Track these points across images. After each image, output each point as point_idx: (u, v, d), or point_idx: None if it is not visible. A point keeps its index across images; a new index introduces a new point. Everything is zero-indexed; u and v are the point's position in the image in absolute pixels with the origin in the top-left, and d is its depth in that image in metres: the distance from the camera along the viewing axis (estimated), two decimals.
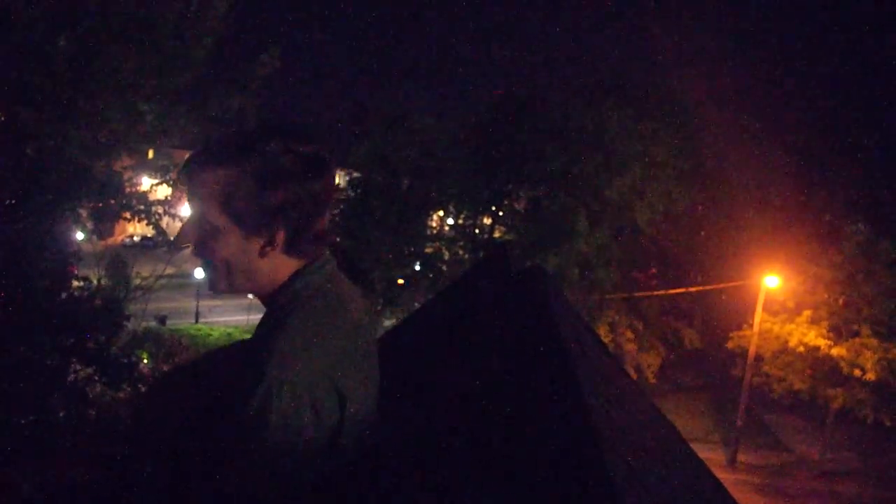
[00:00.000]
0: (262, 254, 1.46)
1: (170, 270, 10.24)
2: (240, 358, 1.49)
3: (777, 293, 24.95)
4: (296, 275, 1.51)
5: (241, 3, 10.03)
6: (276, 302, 1.50)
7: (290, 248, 1.48)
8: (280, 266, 1.50)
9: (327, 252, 1.58)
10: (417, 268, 26.63)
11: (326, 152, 1.52)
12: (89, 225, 10.28)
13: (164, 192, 11.23)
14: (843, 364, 22.87)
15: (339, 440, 1.41)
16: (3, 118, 8.47)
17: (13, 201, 8.32)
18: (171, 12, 9.26)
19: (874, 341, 22.65)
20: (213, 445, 1.38)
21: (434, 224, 29.89)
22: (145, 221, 10.27)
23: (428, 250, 27.33)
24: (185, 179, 1.49)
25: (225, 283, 1.50)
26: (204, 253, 1.48)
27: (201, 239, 1.47)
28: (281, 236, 1.45)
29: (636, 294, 27.26)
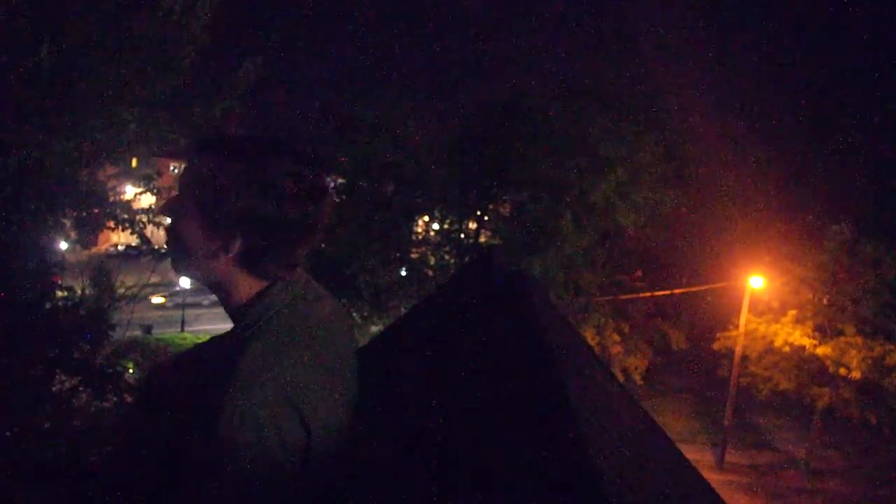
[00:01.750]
0: (215, 255, 1.46)
1: (155, 280, 10.20)
2: (203, 376, 1.47)
3: (762, 294, 25.08)
4: (258, 296, 1.49)
5: (225, 11, 10.00)
6: (240, 321, 1.48)
7: (250, 265, 1.47)
8: (241, 280, 1.49)
9: (299, 272, 1.56)
10: (403, 273, 26.59)
11: (321, 185, 1.50)
12: (73, 234, 10.23)
13: (147, 200, 11.16)
14: (828, 363, 22.99)
15: (309, 464, 1.40)
16: None
17: None
18: (154, 20, 9.23)
19: (859, 340, 22.77)
20: (184, 474, 1.37)
21: (420, 229, 29.88)
22: (129, 230, 10.21)
23: (414, 255, 27.30)
24: (187, 157, 1.52)
25: (181, 265, 1.52)
26: (172, 227, 1.51)
27: (173, 213, 1.50)
28: (236, 246, 1.44)
29: (622, 297, 27.31)
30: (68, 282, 10.12)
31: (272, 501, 1.34)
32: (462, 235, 28.14)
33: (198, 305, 34.20)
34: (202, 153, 1.48)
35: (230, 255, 1.45)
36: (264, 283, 1.50)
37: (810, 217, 26.97)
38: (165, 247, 1.57)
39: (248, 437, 1.29)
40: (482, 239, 27.85)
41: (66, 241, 10.66)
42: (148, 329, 29.16)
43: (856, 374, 22.35)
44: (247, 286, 1.49)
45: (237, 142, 1.49)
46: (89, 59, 8.57)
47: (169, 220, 1.52)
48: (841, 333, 23.43)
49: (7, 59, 8.15)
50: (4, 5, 7.94)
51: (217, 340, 1.55)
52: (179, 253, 1.50)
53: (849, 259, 23.47)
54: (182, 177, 1.50)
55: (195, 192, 1.45)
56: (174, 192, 1.53)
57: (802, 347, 23.41)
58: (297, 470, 1.38)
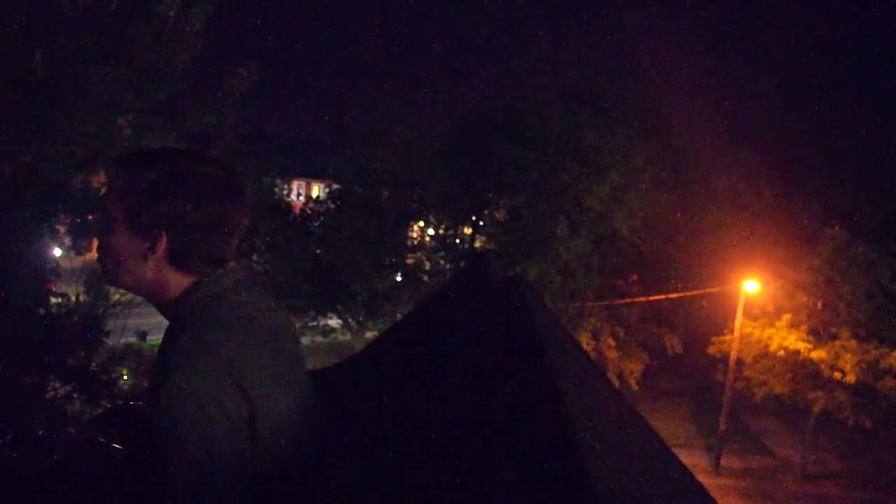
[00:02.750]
0: (144, 256, 1.55)
1: None
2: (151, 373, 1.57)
3: (757, 298, 25.10)
4: (191, 288, 1.58)
5: (220, 17, 10.01)
6: (175, 312, 1.57)
7: (178, 262, 1.57)
8: (169, 278, 1.58)
9: (231, 266, 1.64)
10: (399, 279, 26.57)
11: (236, 186, 1.63)
12: (67, 241, 10.21)
13: None
14: (823, 367, 22.98)
15: (258, 439, 1.46)
16: None
17: None
18: (148, 26, 9.23)
19: (853, 343, 22.79)
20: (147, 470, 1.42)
21: (415, 235, 29.87)
22: None
23: (409, 261, 27.29)
24: (110, 172, 1.65)
25: (110, 274, 1.61)
26: (99, 238, 1.60)
27: (101, 224, 1.60)
28: (163, 245, 1.54)
29: (617, 301, 27.31)
30: (62, 288, 10.09)
31: (224, 474, 1.40)
32: (457, 241, 28.13)
33: None
34: (124, 165, 1.59)
35: (157, 254, 1.55)
36: (193, 279, 1.59)
37: (804, 221, 27.06)
38: (98, 264, 1.64)
39: (190, 409, 1.37)
40: (477, 244, 27.83)
41: (60, 247, 10.63)
42: (143, 335, 28.96)
43: (850, 378, 22.36)
44: (177, 283, 1.58)
45: (155, 151, 1.63)
46: (83, 66, 8.56)
47: (97, 232, 1.63)
48: (836, 337, 23.46)
49: (1, 64, 8.14)
50: None
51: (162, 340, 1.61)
52: (110, 261, 1.59)
53: (843, 263, 23.49)
54: (105, 193, 1.60)
55: (120, 201, 1.55)
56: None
57: (797, 351, 23.41)
58: (245, 442, 1.44)
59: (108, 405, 9.58)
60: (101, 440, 1.77)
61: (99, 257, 1.60)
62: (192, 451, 1.36)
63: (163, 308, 1.61)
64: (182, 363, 1.40)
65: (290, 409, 1.58)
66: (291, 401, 1.60)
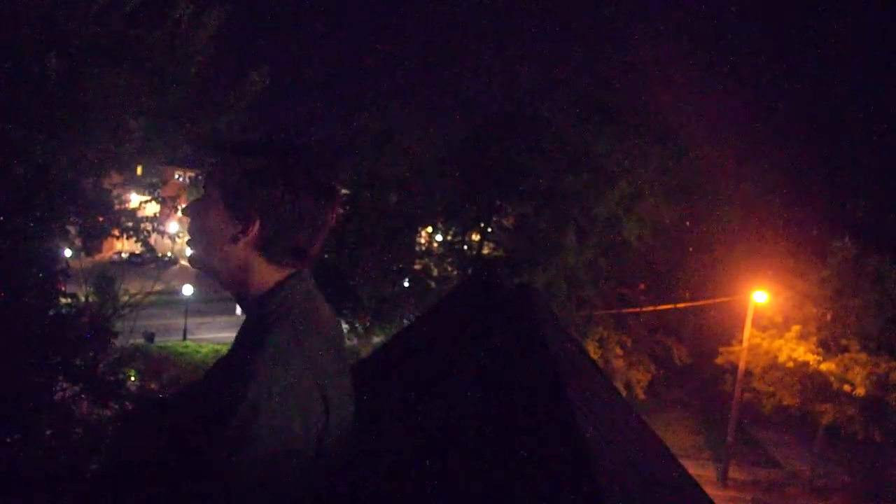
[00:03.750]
0: (235, 239, 1.58)
1: (158, 287, 10.21)
2: (224, 368, 1.57)
3: (766, 308, 24.98)
4: (279, 285, 1.59)
5: (231, 22, 10.06)
6: (261, 308, 1.57)
7: (266, 250, 1.59)
8: (258, 266, 1.60)
9: (306, 270, 1.66)
10: (406, 284, 26.58)
11: (332, 186, 1.67)
12: (78, 242, 10.25)
13: (152, 208, 11.23)
14: (832, 379, 22.88)
15: (324, 448, 1.47)
16: None
17: (1, 218, 8.28)
18: (160, 30, 9.28)
19: (863, 356, 22.68)
20: (200, 459, 1.40)
21: (423, 240, 29.89)
22: (134, 238, 10.25)
23: (416, 266, 27.31)
24: (217, 155, 1.70)
25: (199, 254, 1.64)
26: (193, 219, 1.64)
27: (197, 208, 1.64)
28: (255, 229, 1.57)
29: (625, 310, 27.24)
30: (72, 289, 10.13)
31: (290, 474, 1.40)
32: (465, 247, 28.13)
33: (201, 313, 34.14)
34: (232, 150, 1.65)
35: (248, 238, 1.58)
36: (280, 273, 1.61)
37: (814, 232, 26.92)
38: (188, 246, 1.68)
39: (274, 406, 1.37)
40: (485, 251, 27.83)
41: (70, 248, 10.68)
42: (150, 337, 29.07)
43: (860, 391, 22.25)
44: (265, 273, 1.61)
45: (264, 141, 1.67)
46: (96, 69, 8.61)
47: (190, 219, 1.65)
48: (845, 349, 23.32)
49: (15, 66, 8.19)
50: (14, 14, 7.99)
51: (238, 336, 1.62)
52: (201, 240, 1.63)
53: (853, 274, 23.39)
54: (208, 175, 1.66)
55: (222, 182, 1.60)
56: (184, 200, 1.64)
57: (806, 363, 23.30)
58: (313, 450, 1.45)
59: (129, 406, 9.61)
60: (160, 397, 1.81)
61: (189, 239, 1.65)
62: (267, 448, 1.36)
63: (244, 300, 1.62)
64: (275, 360, 1.42)
65: (350, 421, 1.61)
66: (351, 410, 1.63)
